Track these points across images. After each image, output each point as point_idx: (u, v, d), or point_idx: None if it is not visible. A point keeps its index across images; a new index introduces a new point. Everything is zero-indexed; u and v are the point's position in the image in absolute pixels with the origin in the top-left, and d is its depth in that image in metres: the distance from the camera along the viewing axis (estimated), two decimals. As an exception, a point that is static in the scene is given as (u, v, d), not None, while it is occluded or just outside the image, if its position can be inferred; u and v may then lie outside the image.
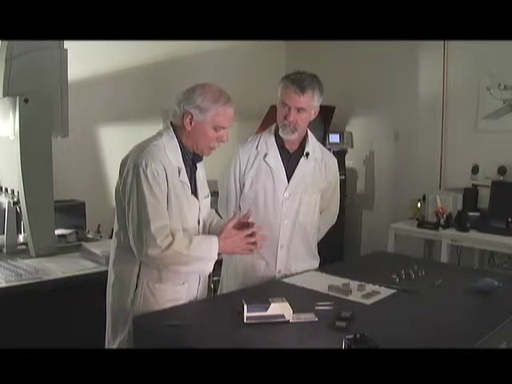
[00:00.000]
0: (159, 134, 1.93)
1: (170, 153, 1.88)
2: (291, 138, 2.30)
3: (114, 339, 1.93)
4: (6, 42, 2.63)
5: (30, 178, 2.64)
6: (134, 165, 1.81)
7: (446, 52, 4.30)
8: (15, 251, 2.76)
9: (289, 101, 2.22)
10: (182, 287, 1.93)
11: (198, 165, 1.99)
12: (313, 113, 2.29)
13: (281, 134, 2.31)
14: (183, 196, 1.90)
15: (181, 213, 1.89)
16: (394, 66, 4.61)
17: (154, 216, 1.78)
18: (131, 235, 1.82)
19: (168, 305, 1.89)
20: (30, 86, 2.66)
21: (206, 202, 2.06)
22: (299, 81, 2.21)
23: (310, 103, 2.24)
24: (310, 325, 1.71)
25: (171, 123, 1.93)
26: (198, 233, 1.98)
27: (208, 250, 1.88)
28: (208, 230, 2.07)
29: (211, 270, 1.93)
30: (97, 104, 3.97)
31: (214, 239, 1.90)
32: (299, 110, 2.23)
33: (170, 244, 1.79)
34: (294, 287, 2.14)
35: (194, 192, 1.97)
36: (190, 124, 1.86)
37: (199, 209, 1.99)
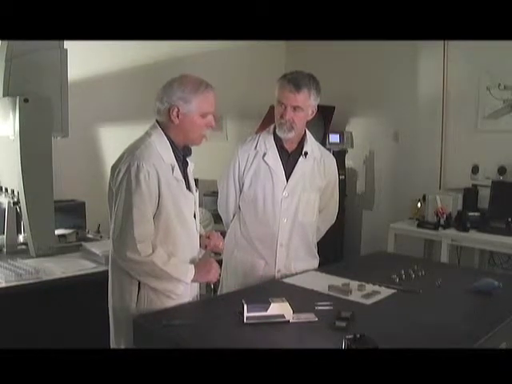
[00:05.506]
0: (147, 134, 1.91)
1: (162, 151, 1.87)
2: (288, 137, 2.30)
3: (119, 343, 1.92)
4: (5, 42, 2.63)
5: (29, 177, 2.64)
6: (126, 167, 1.81)
7: (446, 52, 4.30)
8: (15, 251, 2.76)
9: (285, 99, 2.23)
10: (186, 286, 1.93)
11: (188, 159, 2.00)
12: (310, 112, 2.30)
13: (278, 133, 2.32)
14: (179, 193, 1.91)
15: (178, 210, 1.90)
16: (394, 66, 4.61)
17: (139, 220, 1.78)
18: (113, 235, 1.82)
19: (173, 304, 1.89)
20: (30, 86, 2.66)
21: (197, 195, 2.08)
22: (295, 80, 2.22)
23: (306, 102, 2.25)
24: (309, 325, 1.71)
25: (157, 121, 1.93)
26: (196, 227, 1.99)
27: (183, 274, 1.89)
28: None
29: (180, 293, 1.91)
30: (97, 104, 3.96)
31: (191, 267, 1.92)
32: (295, 108, 2.23)
33: (150, 254, 1.80)
34: (294, 287, 2.14)
35: (188, 187, 1.97)
36: (178, 117, 1.86)
37: (194, 203, 2.00)
